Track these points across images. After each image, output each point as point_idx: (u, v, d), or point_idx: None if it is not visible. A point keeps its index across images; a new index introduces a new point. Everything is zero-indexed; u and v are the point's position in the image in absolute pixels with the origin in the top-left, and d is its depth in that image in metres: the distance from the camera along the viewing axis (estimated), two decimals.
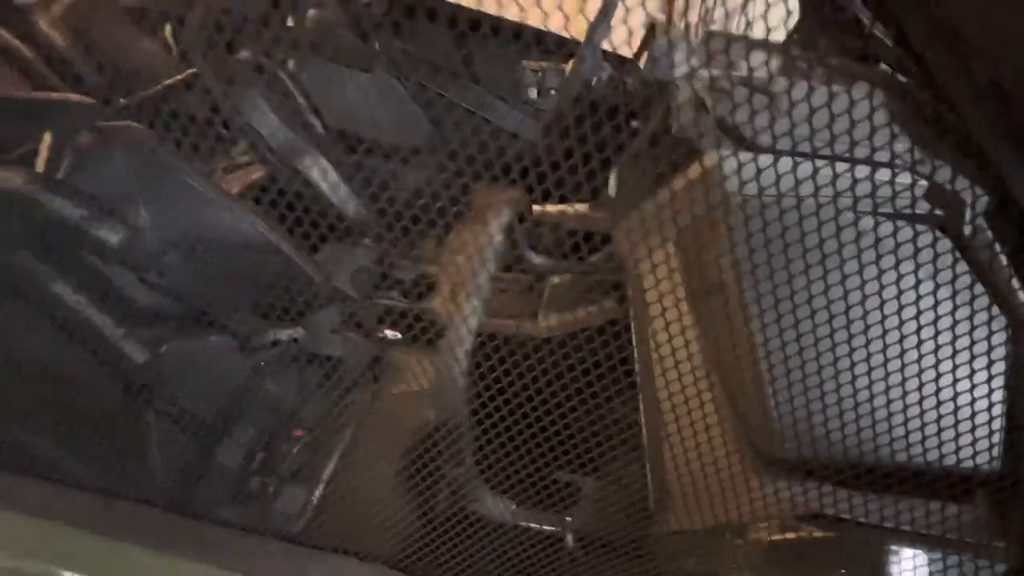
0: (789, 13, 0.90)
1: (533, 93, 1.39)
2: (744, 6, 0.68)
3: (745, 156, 0.51)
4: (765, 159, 0.52)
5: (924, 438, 0.53)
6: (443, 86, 1.37)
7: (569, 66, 0.90)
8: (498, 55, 1.39)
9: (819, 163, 0.53)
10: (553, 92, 1.35)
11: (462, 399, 0.82)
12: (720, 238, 0.52)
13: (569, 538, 0.77)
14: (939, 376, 0.51)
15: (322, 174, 1.01)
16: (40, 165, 0.71)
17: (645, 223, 0.60)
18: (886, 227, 0.50)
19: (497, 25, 1.37)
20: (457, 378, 0.82)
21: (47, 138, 0.72)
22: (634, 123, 0.83)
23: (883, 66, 0.81)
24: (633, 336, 0.66)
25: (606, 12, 0.83)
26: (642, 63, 0.88)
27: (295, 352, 0.92)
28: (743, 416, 0.58)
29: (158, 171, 0.77)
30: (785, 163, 0.52)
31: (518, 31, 1.37)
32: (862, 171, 0.52)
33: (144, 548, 0.64)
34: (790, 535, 0.58)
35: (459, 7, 1.37)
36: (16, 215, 0.66)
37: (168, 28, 1.24)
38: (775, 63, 0.95)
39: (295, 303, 0.89)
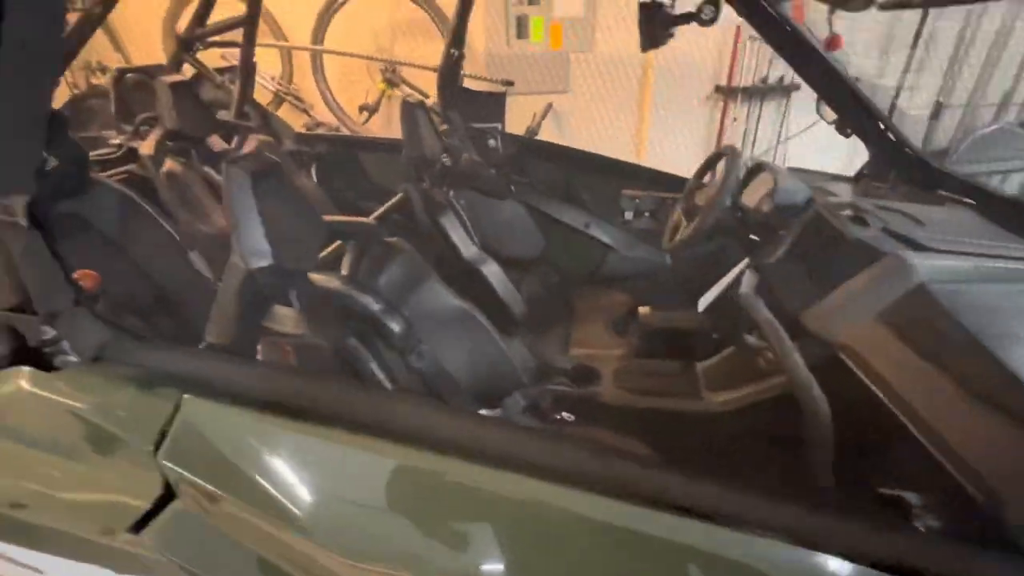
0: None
1: (630, 215, 1.66)
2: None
3: (926, 256, 0.71)
4: (939, 257, 0.72)
5: None
6: (554, 209, 1.65)
7: (709, 201, 1.15)
8: (602, 184, 1.68)
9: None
10: (647, 215, 1.63)
11: None
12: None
13: None
14: None
15: (496, 277, 1.20)
16: (344, 269, 0.89)
17: (842, 308, 0.77)
18: None
19: (602, 161, 1.71)
20: None
21: (350, 248, 0.91)
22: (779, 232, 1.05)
23: None
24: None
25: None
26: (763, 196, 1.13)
27: None
28: None
29: (415, 280, 0.95)
30: (947, 259, 0.72)
31: (618, 166, 1.70)
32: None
33: None
34: None
35: (569, 148, 1.72)
36: (335, 307, 0.82)
37: None
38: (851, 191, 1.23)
39: (499, 387, 1.03)
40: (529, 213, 1.64)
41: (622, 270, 1.72)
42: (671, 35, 1.10)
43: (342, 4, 2.30)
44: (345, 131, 2.49)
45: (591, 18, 2.01)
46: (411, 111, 1.27)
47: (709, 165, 1.37)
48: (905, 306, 0.72)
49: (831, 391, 0.71)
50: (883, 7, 0.70)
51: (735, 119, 2.13)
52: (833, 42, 0.81)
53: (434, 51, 2.29)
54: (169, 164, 1.28)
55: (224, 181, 0.68)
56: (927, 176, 1.17)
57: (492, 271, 1.20)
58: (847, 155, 1.87)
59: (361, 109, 2.46)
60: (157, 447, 0.48)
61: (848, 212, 0.94)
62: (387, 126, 2.54)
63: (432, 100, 2.39)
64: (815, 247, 0.94)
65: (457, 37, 1.48)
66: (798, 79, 2.15)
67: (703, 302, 1.13)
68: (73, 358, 0.48)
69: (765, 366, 1.04)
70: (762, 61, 2.04)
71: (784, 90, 2.10)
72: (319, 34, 2.34)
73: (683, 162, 2.22)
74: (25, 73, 0.38)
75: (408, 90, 2.40)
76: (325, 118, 2.51)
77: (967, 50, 2.05)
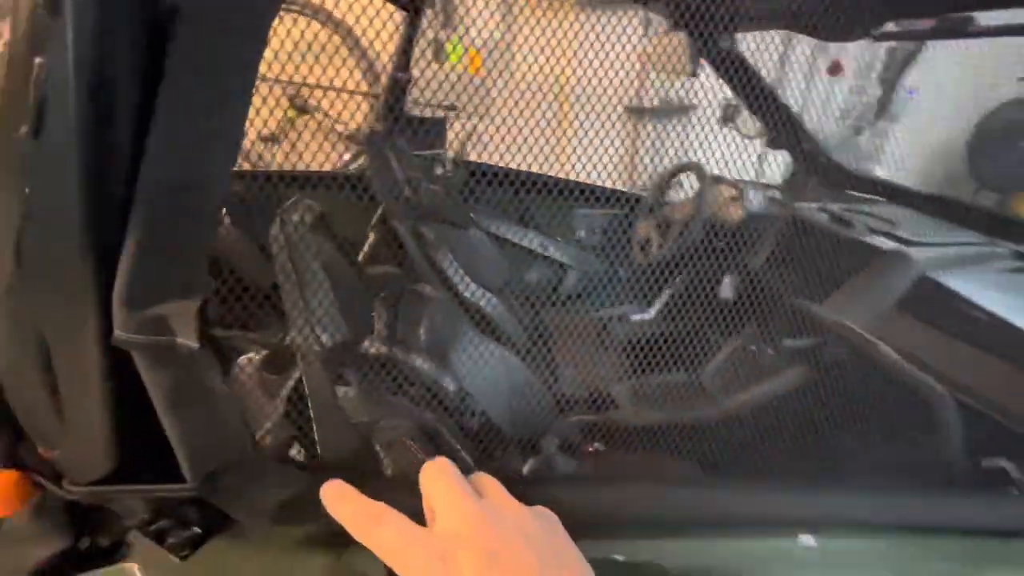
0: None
1: (583, 233, 1.69)
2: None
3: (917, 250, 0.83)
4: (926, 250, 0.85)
5: None
6: (511, 233, 1.61)
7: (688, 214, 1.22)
8: (554, 205, 1.69)
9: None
10: (598, 231, 1.68)
11: None
12: None
13: None
14: None
15: (498, 313, 1.13)
16: (380, 330, 0.77)
17: (857, 301, 0.86)
18: None
19: (553, 181, 1.71)
20: None
21: (379, 303, 0.80)
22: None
23: None
24: None
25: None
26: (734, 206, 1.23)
27: None
28: None
29: (452, 329, 0.86)
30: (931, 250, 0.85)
31: (568, 185, 1.72)
32: None
33: None
34: None
35: (518, 171, 1.69)
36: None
37: None
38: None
39: (535, 430, 0.97)
40: (490, 239, 1.59)
41: (581, 287, 1.75)
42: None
43: None
44: (246, 165, 2.17)
45: (509, 41, 2.03)
46: (377, 142, 1.15)
47: (666, 181, 1.46)
48: (916, 294, 0.82)
49: (868, 377, 0.79)
50: (878, 39, 0.81)
51: (646, 136, 2.31)
52: (835, 68, 0.90)
53: (343, 74, 2.11)
54: None
55: (279, 240, 0.53)
56: (842, 179, 1.38)
57: (494, 306, 1.13)
58: (742, 165, 2.15)
59: (263, 140, 2.17)
60: None
61: (824, 215, 1.06)
62: (291, 157, 2.27)
63: (355, 127, 2.21)
64: (800, 249, 1.05)
65: (404, 60, 1.39)
66: (694, 99, 2.43)
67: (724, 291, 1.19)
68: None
69: (767, 364, 1.13)
70: (666, 83, 2.25)
71: (684, 109, 2.34)
72: None
73: (605, 179, 2.34)
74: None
75: (321, 117, 2.18)
76: None
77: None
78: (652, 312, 1.64)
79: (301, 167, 2.25)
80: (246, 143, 2.02)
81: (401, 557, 0.29)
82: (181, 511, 0.35)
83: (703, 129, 2.56)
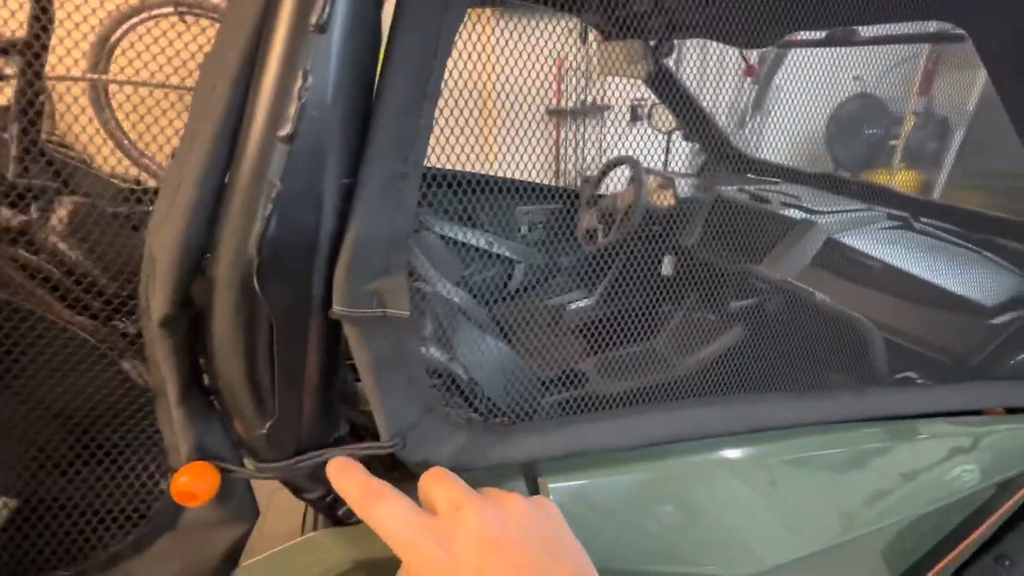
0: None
1: (525, 229, 1.79)
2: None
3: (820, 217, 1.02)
4: (825, 217, 1.05)
5: None
6: (459, 234, 1.65)
7: (627, 201, 1.35)
8: (497, 204, 1.76)
9: None
10: (539, 226, 1.78)
11: None
12: None
13: None
14: None
15: (471, 307, 1.18)
16: None
17: (782, 262, 1.04)
18: None
19: (495, 181, 1.77)
20: None
21: None
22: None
23: None
24: None
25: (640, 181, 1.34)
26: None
27: None
28: None
29: (452, 322, 0.91)
30: (829, 217, 1.05)
31: (511, 184, 1.79)
32: None
33: None
34: None
35: (459, 172, 1.73)
36: None
37: None
38: None
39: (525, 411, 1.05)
40: (443, 241, 1.62)
41: (528, 279, 1.84)
42: None
43: (130, 28, 1.82)
44: (152, 182, 1.97)
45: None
46: None
47: (603, 175, 1.59)
48: (825, 252, 1.01)
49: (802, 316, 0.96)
50: (780, 46, 0.98)
51: (567, 135, 2.48)
52: (751, 70, 1.07)
53: None
54: None
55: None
56: (745, 164, 1.61)
57: (466, 301, 1.17)
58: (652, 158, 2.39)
59: (175, 154, 1.97)
60: None
61: (744, 195, 1.25)
62: None
63: None
64: (728, 225, 1.22)
65: None
66: (608, 100, 2.63)
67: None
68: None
69: (712, 325, 1.29)
70: (581, 86, 2.43)
71: (599, 109, 2.54)
72: (99, 64, 1.80)
73: (531, 176, 2.47)
74: None
75: None
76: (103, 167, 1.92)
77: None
78: (595, 296, 1.78)
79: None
80: (158, 157, 1.85)
81: (401, 537, 0.30)
82: None
83: (617, 126, 2.79)
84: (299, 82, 0.27)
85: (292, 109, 0.27)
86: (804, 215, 1.05)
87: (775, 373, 0.69)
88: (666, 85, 1.36)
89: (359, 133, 0.30)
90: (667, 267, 1.40)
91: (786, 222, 1.06)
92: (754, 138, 2.45)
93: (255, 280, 0.28)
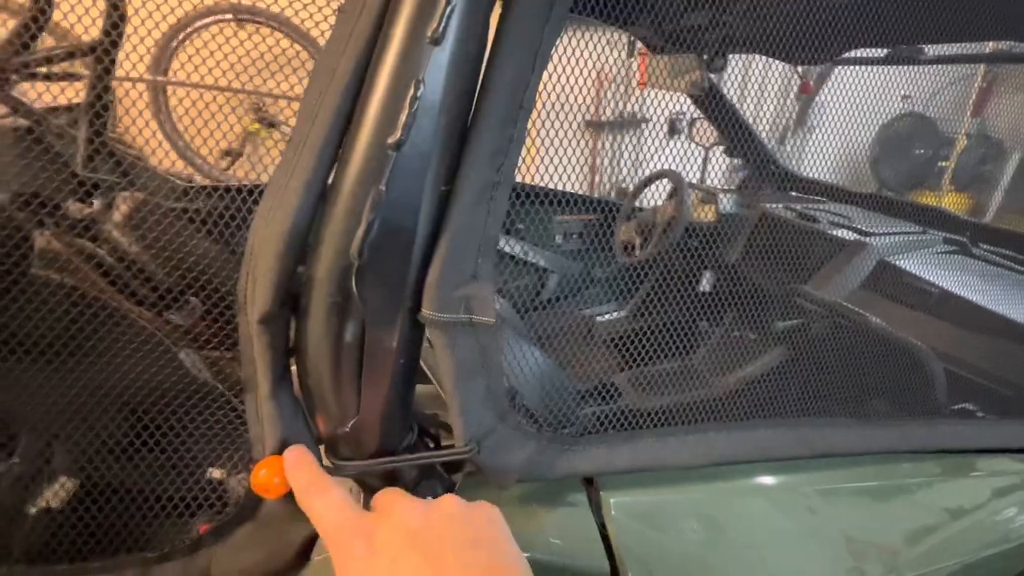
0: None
1: (560, 239, 1.79)
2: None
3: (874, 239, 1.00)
4: (879, 239, 1.02)
5: None
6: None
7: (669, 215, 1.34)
8: (535, 213, 1.77)
9: None
10: (575, 236, 1.78)
11: None
12: None
13: None
14: None
15: (510, 315, 1.18)
16: None
17: (830, 284, 1.01)
18: None
19: (532, 190, 1.79)
20: None
21: None
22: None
23: None
24: None
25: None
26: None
27: None
28: None
29: None
30: (883, 239, 1.02)
31: (549, 194, 1.80)
32: None
33: None
34: None
35: None
36: None
37: None
38: None
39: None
40: None
41: (560, 289, 1.84)
42: None
43: (191, 33, 1.91)
44: (202, 180, 2.06)
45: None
46: None
47: (643, 187, 1.58)
48: (878, 275, 0.98)
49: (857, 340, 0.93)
50: (837, 63, 0.96)
51: (604, 147, 2.48)
52: (805, 87, 1.05)
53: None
54: (43, 241, 0.93)
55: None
56: (790, 182, 1.58)
57: (506, 309, 1.18)
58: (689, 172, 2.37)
59: (225, 154, 2.06)
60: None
61: (789, 213, 1.22)
62: (252, 172, 2.18)
63: None
64: (773, 243, 1.20)
65: None
66: (647, 113, 2.62)
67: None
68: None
69: (753, 344, 1.27)
70: (621, 98, 2.44)
71: (637, 123, 2.54)
72: (161, 67, 1.90)
73: (571, 187, 2.47)
74: None
75: (288, 131, 2.10)
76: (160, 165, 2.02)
77: None
78: (627, 309, 1.76)
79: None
80: (209, 158, 1.96)
81: (328, 529, 0.30)
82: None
83: (655, 139, 2.78)
84: (411, 91, 0.28)
85: (403, 117, 0.28)
86: (855, 235, 1.03)
87: (823, 397, 0.67)
88: (711, 99, 1.35)
89: (458, 142, 0.31)
90: (706, 283, 1.38)
91: (836, 242, 1.04)
92: (795, 155, 2.40)
93: (353, 282, 0.29)
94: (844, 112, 1.00)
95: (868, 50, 0.92)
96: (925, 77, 1.04)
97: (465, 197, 0.31)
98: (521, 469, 0.38)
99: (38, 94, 1.32)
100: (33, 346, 0.63)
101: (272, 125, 2.15)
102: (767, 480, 0.52)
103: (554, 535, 0.40)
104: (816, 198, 1.48)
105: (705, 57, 0.95)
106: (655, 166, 2.80)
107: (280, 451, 0.31)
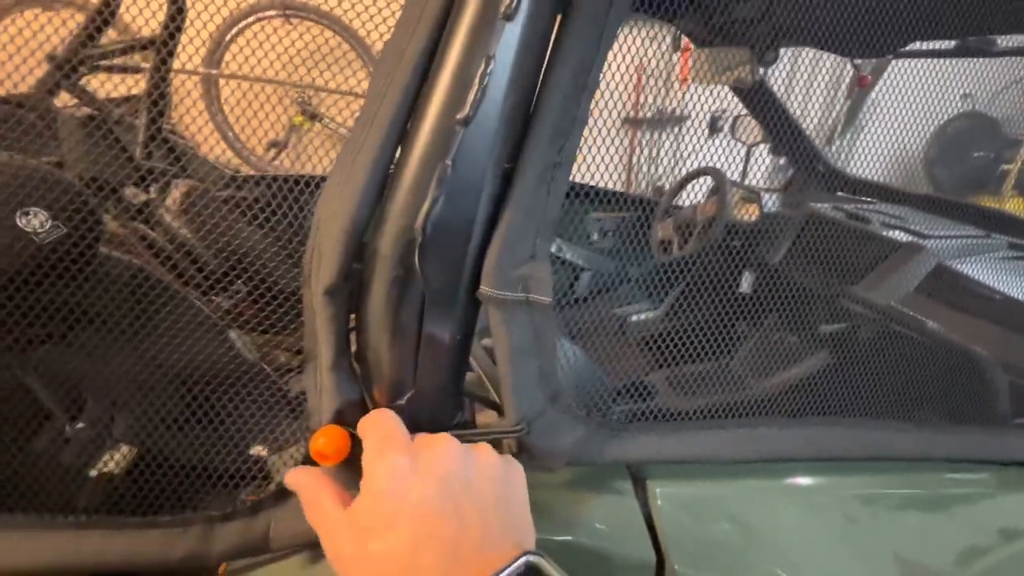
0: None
1: (595, 236, 1.77)
2: None
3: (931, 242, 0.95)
4: (937, 241, 0.97)
5: None
6: None
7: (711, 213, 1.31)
8: (570, 209, 1.76)
9: None
10: (609, 234, 1.76)
11: None
12: None
13: None
14: None
15: None
16: None
17: (883, 287, 0.97)
18: None
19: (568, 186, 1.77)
20: None
21: None
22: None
23: None
24: None
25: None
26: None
27: None
28: None
29: None
30: (941, 242, 0.96)
31: (584, 191, 1.80)
32: None
33: None
34: None
35: None
36: None
37: None
38: None
39: None
40: None
41: (593, 287, 1.82)
42: None
43: (244, 28, 1.99)
44: (248, 170, 2.14)
45: None
46: None
47: (683, 185, 1.55)
48: (936, 279, 0.93)
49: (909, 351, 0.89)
50: (899, 56, 0.92)
51: (641, 144, 2.45)
52: (862, 81, 1.02)
53: (355, 82, 2.14)
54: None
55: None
56: (839, 182, 1.52)
57: None
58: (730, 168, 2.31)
59: (271, 145, 2.14)
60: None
61: (839, 214, 1.18)
62: (296, 163, 2.25)
63: None
64: (820, 244, 1.16)
65: None
66: (685, 111, 2.58)
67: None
68: None
69: (794, 349, 1.23)
70: (660, 95, 2.40)
71: (676, 120, 2.49)
72: (215, 59, 1.98)
73: (606, 184, 2.46)
74: None
75: (333, 124, 2.17)
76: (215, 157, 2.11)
77: None
78: (662, 308, 1.74)
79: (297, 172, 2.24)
80: (256, 149, 2.02)
81: (326, 539, 0.30)
82: None
83: (695, 137, 2.71)
84: (482, 67, 0.28)
85: (472, 94, 0.28)
86: (911, 238, 0.98)
87: (876, 401, 0.65)
88: (757, 95, 1.31)
89: (522, 121, 0.31)
90: (746, 283, 1.35)
91: (889, 244, 0.99)
92: (844, 154, 2.31)
93: (416, 257, 0.30)
94: (899, 109, 0.95)
95: (930, 42, 0.87)
96: (990, 73, 0.98)
97: (527, 176, 0.31)
98: (570, 453, 0.38)
99: (101, 84, 1.39)
100: (99, 319, 0.67)
101: (314, 117, 2.21)
102: (806, 480, 0.50)
103: (600, 521, 0.40)
104: (866, 199, 1.42)
105: (756, 50, 0.92)
106: (694, 164, 2.75)
107: (336, 421, 0.32)
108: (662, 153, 2.54)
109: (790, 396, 0.54)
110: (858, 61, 1.10)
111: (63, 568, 0.37)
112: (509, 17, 0.28)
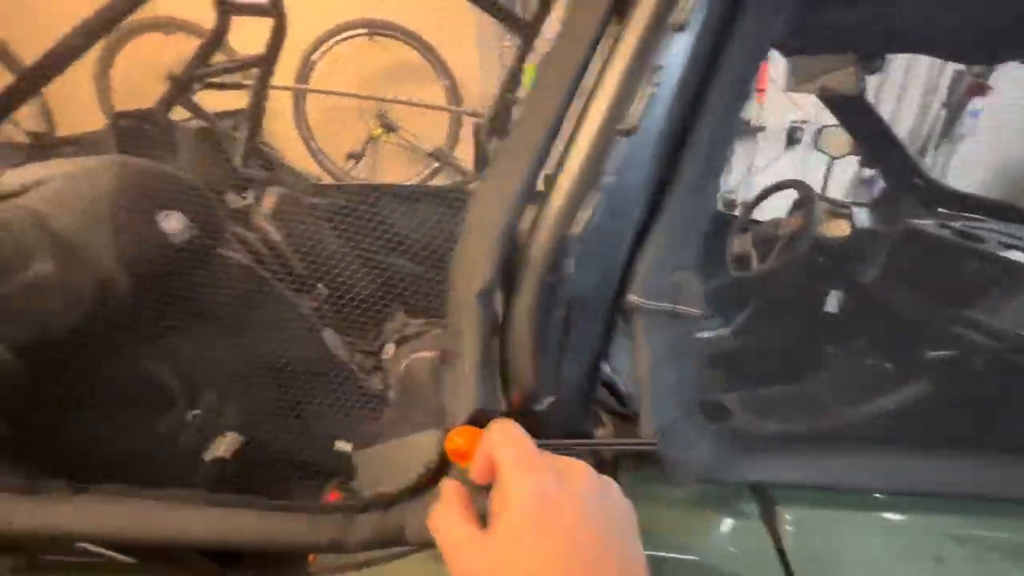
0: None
1: None
2: None
3: None
4: None
5: None
6: None
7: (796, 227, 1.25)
8: None
9: None
10: None
11: None
12: None
13: None
14: None
15: None
16: None
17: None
18: None
19: None
20: None
21: None
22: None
23: None
24: None
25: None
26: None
27: None
28: None
29: None
30: None
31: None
32: None
33: None
34: None
35: None
36: None
37: None
38: None
39: None
40: None
41: None
42: None
43: (332, 46, 2.13)
44: (329, 180, 2.27)
45: None
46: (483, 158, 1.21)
47: (763, 197, 1.49)
48: None
49: None
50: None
51: None
52: (981, 88, 0.94)
53: (429, 95, 2.23)
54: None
55: None
56: (936, 197, 1.40)
57: None
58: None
59: (349, 156, 2.27)
60: None
61: (944, 231, 1.08)
62: (372, 173, 2.37)
63: (436, 145, 2.28)
64: (921, 262, 1.07)
65: (513, 81, 1.45)
66: (762, 122, 2.48)
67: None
68: None
69: (884, 376, 1.14)
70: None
71: (752, 131, 2.40)
72: (304, 76, 2.13)
73: None
74: None
75: (407, 135, 2.28)
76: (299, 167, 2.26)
77: None
78: (733, 326, 1.66)
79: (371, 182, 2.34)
80: (338, 160, 2.12)
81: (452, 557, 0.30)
82: None
83: (771, 149, 2.60)
84: (650, 78, 0.29)
85: (638, 104, 0.29)
86: None
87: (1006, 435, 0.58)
88: (851, 105, 1.24)
89: (681, 130, 0.32)
90: (832, 303, 1.27)
91: (1008, 266, 0.90)
92: (939, 167, 2.12)
93: (571, 264, 0.31)
94: (1009, 120, 0.87)
95: None
96: None
97: (683, 185, 0.31)
98: (702, 468, 0.37)
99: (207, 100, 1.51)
100: (213, 314, 0.73)
101: (392, 129, 2.31)
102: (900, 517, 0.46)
103: (730, 543, 0.38)
104: (971, 215, 1.30)
105: (860, 57, 0.87)
106: (770, 177, 2.64)
107: (473, 422, 0.33)
108: (734, 164, 2.45)
109: (915, 425, 0.49)
110: (976, 69, 1.02)
111: (217, 542, 0.40)
112: (681, 28, 0.28)
